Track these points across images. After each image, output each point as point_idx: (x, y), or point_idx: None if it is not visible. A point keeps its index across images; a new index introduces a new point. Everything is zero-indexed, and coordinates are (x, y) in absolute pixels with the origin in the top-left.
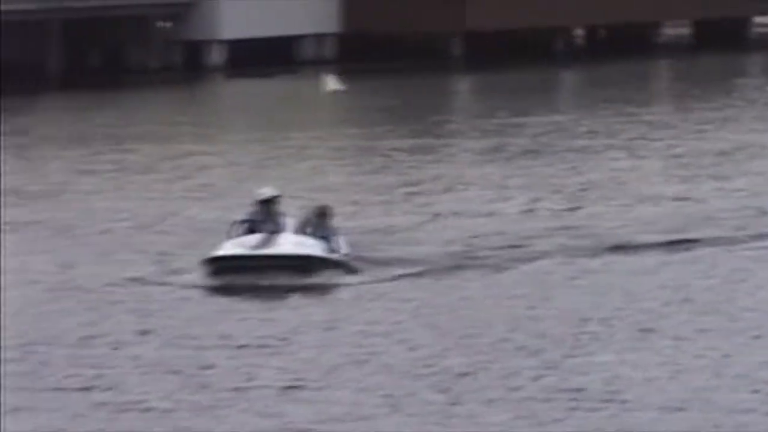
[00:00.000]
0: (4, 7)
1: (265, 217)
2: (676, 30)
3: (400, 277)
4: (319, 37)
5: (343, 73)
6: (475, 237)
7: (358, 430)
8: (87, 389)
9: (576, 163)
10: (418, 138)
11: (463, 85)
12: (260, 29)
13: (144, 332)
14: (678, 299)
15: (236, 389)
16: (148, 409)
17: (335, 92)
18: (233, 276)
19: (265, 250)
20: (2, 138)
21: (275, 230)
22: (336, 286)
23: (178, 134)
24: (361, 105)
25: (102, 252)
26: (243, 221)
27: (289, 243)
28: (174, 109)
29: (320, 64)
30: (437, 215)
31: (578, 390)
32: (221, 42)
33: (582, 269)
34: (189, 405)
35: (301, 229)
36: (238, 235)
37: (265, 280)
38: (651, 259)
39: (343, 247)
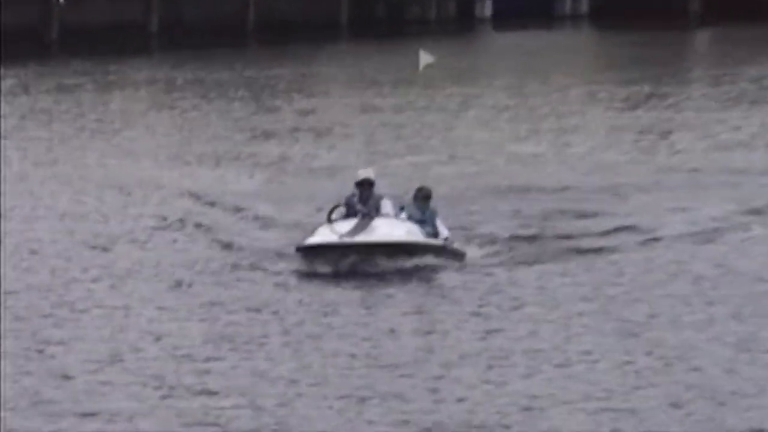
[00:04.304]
0: None
1: (361, 198)
2: None
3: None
4: None
5: (595, 28)
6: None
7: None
8: None
9: None
10: (655, 84)
11: (700, 39)
12: None
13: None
14: None
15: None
16: None
17: (429, 65)
18: (324, 263)
19: (357, 238)
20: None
21: (370, 213)
22: (432, 271)
23: (448, 77)
24: (610, 55)
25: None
26: (342, 204)
27: (383, 229)
28: (447, 57)
29: (575, 19)
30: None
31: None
32: None
33: None
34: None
35: (399, 212)
36: (335, 220)
37: (357, 267)
38: None
39: (443, 231)
